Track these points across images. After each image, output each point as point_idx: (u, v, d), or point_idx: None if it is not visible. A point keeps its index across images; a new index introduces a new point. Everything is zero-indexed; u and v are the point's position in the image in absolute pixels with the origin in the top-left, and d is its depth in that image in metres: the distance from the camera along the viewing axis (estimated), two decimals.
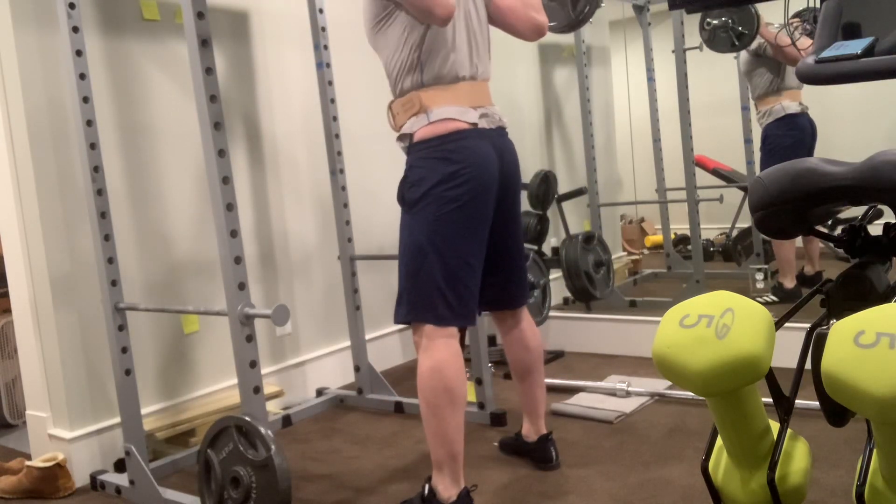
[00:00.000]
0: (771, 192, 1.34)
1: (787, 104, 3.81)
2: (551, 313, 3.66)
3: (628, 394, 2.88)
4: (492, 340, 3.64)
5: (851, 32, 1.34)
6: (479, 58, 2.11)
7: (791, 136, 3.78)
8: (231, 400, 2.83)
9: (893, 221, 1.39)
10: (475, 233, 2.03)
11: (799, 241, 3.98)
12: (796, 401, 1.27)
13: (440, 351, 1.97)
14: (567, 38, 4.40)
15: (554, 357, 3.54)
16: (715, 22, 3.85)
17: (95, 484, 2.49)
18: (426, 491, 2.02)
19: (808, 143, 3.81)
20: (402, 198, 2.07)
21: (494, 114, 2.10)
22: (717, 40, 3.89)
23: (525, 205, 2.49)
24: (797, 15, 3.93)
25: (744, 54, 4.01)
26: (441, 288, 1.99)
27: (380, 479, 2.37)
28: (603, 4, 2.79)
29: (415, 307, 2.01)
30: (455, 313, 2.01)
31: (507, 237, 2.20)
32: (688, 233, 4.12)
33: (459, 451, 1.99)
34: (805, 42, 3.71)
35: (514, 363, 2.36)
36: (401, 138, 2.08)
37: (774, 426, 1.26)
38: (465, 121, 2.01)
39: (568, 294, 3.99)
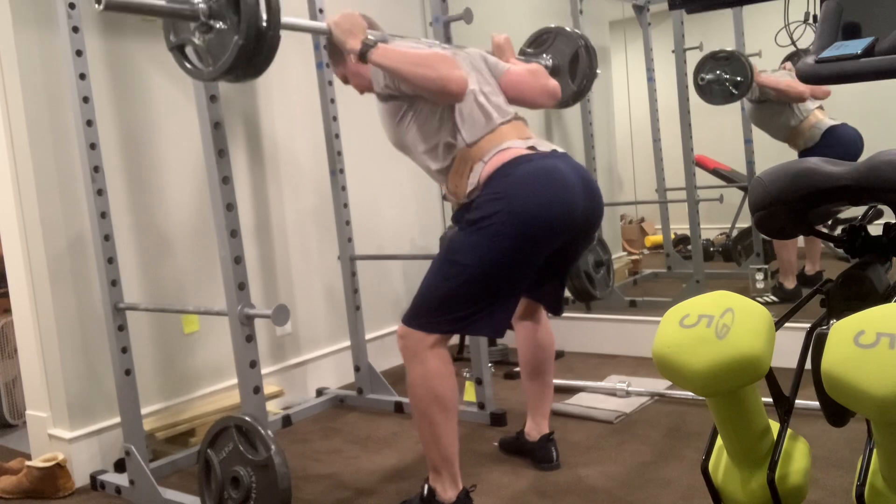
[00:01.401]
0: (771, 192, 1.34)
1: (819, 123, 3.78)
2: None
3: (628, 394, 2.88)
4: (492, 340, 3.64)
5: (851, 32, 1.34)
6: (500, 102, 2.09)
7: (841, 148, 3.71)
8: (231, 400, 2.83)
9: (893, 221, 1.39)
10: (531, 262, 1.96)
11: (800, 240, 3.98)
12: (796, 401, 1.26)
13: (431, 360, 1.94)
14: None
15: (554, 357, 3.54)
16: (709, 77, 3.87)
17: (95, 484, 2.49)
18: (425, 491, 2.02)
19: (859, 153, 3.72)
20: (458, 219, 2.01)
21: (546, 142, 2.07)
22: (713, 94, 3.91)
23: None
24: (788, 58, 3.96)
25: (749, 106, 4.02)
26: (472, 304, 1.92)
27: (380, 479, 2.37)
28: (599, 72, 2.82)
29: (427, 316, 1.95)
30: (479, 327, 1.96)
31: (574, 257, 2.16)
32: (688, 233, 4.11)
33: (454, 454, 1.99)
34: (798, 85, 3.72)
35: (525, 359, 2.37)
36: (469, 196, 2.00)
37: (774, 426, 1.26)
38: (522, 146, 1.97)
39: (568, 294, 3.99)
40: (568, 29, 2.79)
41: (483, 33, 3.92)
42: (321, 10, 2.99)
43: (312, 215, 3.34)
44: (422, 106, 2.00)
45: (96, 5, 1.55)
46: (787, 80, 3.78)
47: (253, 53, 1.63)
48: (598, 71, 2.80)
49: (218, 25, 1.64)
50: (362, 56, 1.93)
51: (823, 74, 1.31)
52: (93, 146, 2.30)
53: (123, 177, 2.67)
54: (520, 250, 1.90)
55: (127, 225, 2.67)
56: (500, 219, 1.88)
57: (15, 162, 2.48)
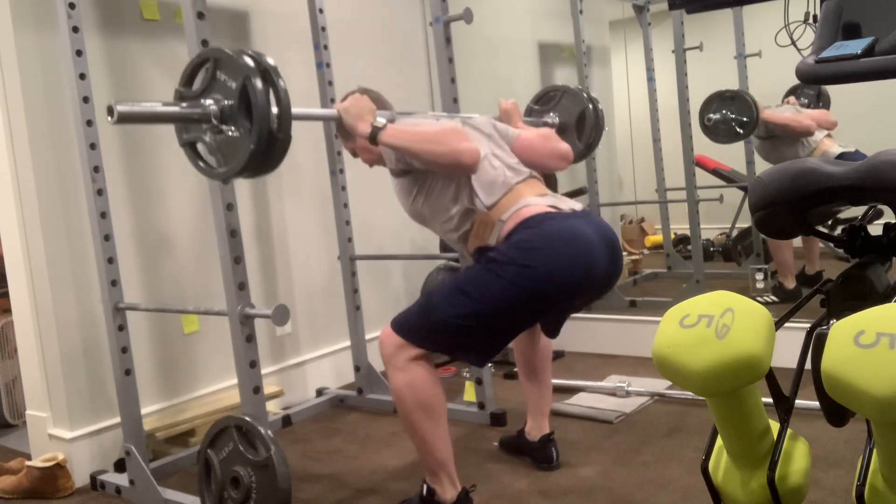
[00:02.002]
0: (771, 192, 1.34)
1: (829, 150, 3.78)
2: None
3: (628, 394, 2.88)
4: None
5: (851, 32, 1.34)
6: (514, 163, 2.09)
7: None
8: (231, 400, 2.83)
9: (893, 221, 1.39)
10: (541, 313, 1.98)
11: (798, 241, 3.98)
12: (796, 401, 1.26)
13: (415, 369, 1.93)
14: (567, 38, 4.40)
15: (554, 357, 3.52)
16: (715, 117, 3.88)
17: (95, 484, 2.49)
18: (425, 491, 2.02)
19: None
20: (479, 257, 1.99)
21: (561, 198, 2.05)
22: (720, 133, 3.92)
23: None
24: (791, 93, 3.97)
25: (756, 142, 4.04)
26: (471, 337, 1.92)
27: (380, 479, 2.37)
28: (606, 129, 2.84)
29: (420, 335, 1.94)
30: (468, 354, 1.96)
31: (584, 304, 2.17)
32: (688, 233, 4.12)
33: (449, 456, 1.99)
34: (804, 119, 3.73)
35: (522, 361, 2.37)
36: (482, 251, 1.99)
37: (774, 426, 1.26)
38: (541, 204, 1.96)
39: None
40: (573, 87, 2.81)
41: (483, 33, 3.92)
42: (321, 11, 3.00)
43: (312, 215, 3.34)
44: (436, 178, 2.02)
45: (108, 118, 1.57)
46: (791, 115, 3.80)
47: (265, 157, 1.65)
48: (605, 128, 2.82)
49: (230, 131, 1.65)
50: (372, 139, 1.95)
51: (823, 74, 1.31)
52: (93, 146, 2.30)
53: (123, 177, 2.67)
54: (531, 303, 1.90)
55: (127, 225, 2.67)
56: (518, 269, 1.86)
57: (15, 162, 2.48)
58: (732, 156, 4.63)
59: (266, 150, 1.63)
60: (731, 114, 3.85)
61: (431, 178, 2.02)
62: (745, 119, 3.81)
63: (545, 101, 2.88)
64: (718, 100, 3.91)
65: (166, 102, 1.70)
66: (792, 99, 3.99)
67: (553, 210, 1.95)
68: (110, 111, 1.56)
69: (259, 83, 1.61)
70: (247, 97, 1.62)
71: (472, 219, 2.01)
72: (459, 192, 2.00)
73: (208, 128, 1.68)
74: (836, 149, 3.79)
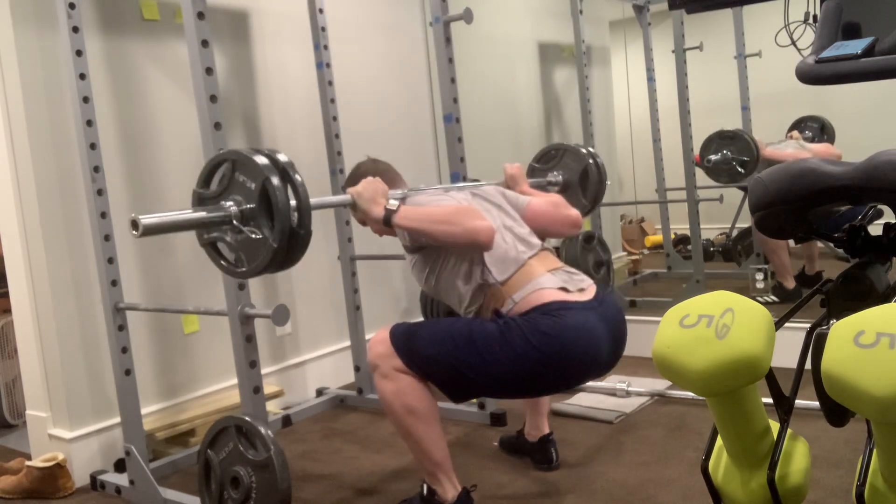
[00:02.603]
0: (771, 192, 1.34)
1: None
2: None
3: (628, 394, 2.88)
4: None
5: (851, 32, 1.34)
6: (525, 235, 2.09)
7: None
8: (231, 400, 2.83)
9: (893, 221, 1.39)
10: (533, 388, 2.00)
11: (792, 241, 3.99)
12: (796, 401, 1.26)
13: (402, 379, 1.93)
14: (567, 38, 4.40)
15: None
16: (715, 158, 3.89)
17: (95, 484, 2.49)
18: (425, 490, 2.02)
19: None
20: (497, 310, 1.98)
21: (574, 273, 2.05)
22: (721, 173, 3.93)
23: None
24: (795, 126, 3.97)
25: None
26: (464, 382, 1.91)
27: (380, 479, 2.37)
28: (609, 182, 2.86)
29: (421, 361, 1.93)
30: (449, 392, 1.95)
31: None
32: (688, 233, 4.12)
33: (445, 456, 1.99)
34: (805, 156, 3.73)
35: None
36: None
37: (774, 426, 1.26)
38: (553, 286, 1.95)
39: None
40: (573, 146, 2.84)
41: (483, 33, 3.92)
42: (321, 11, 3.00)
43: (312, 215, 3.33)
44: (449, 254, 2.02)
45: (133, 232, 1.59)
46: (792, 152, 3.80)
47: (287, 254, 1.67)
48: (608, 182, 2.84)
49: (252, 233, 1.67)
50: (387, 223, 1.96)
51: (823, 74, 1.31)
52: (93, 146, 2.30)
53: (123, 177, 2.67)
54: (528, 380, 1.91)
55: (127, 225, 2.66)
56: (529, 348, 1.86)
57: (15, 162, 2.48)
58: None
59: (288, 247, 1.66)
60: (731, 154, 3.86)
61: (445, 254, 2.03)
62: (745, 159, 3.83)
63: (546, 159, 2.91)
64: (718, 140, 3.92)
65: (187, 210, 1.73)
66: (795, 133, 4.00)
67: (568, 300, 1.94)
68: (135, 225, 1.59)
69: (278, 181, 1.64)
70: (266, 197, 1.65)
71: (484, 293, 2.01)
72: (472, 269, 2.00)
73: (229, 228, 1.72)
74: None
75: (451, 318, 2.04)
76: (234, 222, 1.69)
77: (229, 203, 1.70)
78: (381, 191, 2.00)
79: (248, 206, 1.67)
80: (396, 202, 1.98)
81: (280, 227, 1.63)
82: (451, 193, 2.11)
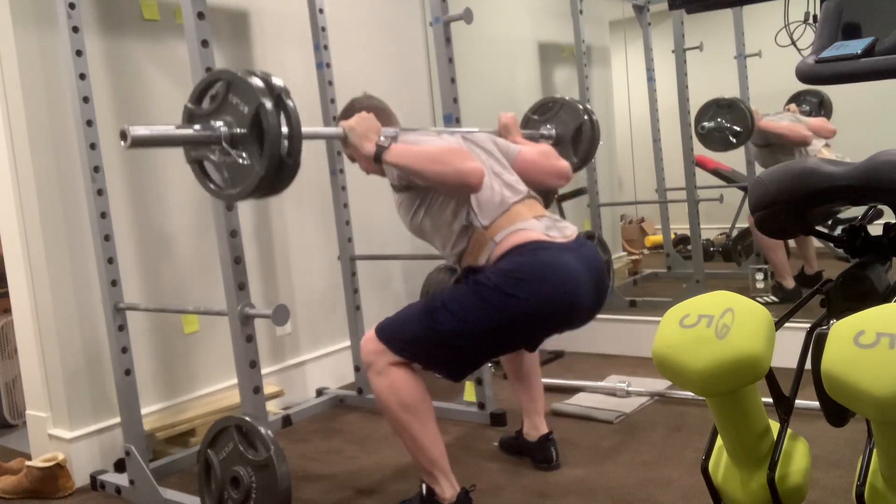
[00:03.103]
0: (771, 192, 1.34)
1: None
2: None
3: (628, 394, 2.88)
4: None
5: (851, 32, 1.34)
6: (513, 181, 2.10)
7: None
8: (231, 400, 2.83)
9: (893, 221, 1.39)
10: (524, 341, 2.00)
11: (791, 242, 3.99)
12: (796, 401, 1.26)
13: (395, 372, 1.94)
14: (567, 38, 4.40)
15: (554, 357, 3.54)
16: (710, 125, 3.88)
17: (95, 484, 2.49)
18: (424, 490, 2.02)
19: None
20: (466, 277, 2.00)
21: (559, 220, 2.06)
22: (713, 141, 3.92)
23: None
24: (793, 100, 3.97)
25: (754, 150, 4.03)
26: (452, 354, 1.93)
27: (380, 479, 2.37)
28: (601, 143, 2.84)
29: (401, 343, 1.95)
30: (444, 370, 1.97)
31: (563, 331, 2.16)
32: (688, 233, 4.11)
33: (441, 455, 2.00)
34: (801, 129, 3.73)
35: (510, 364, 2.38)
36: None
37: (774, 426, 1.26)
38: (535, 228, 1.96)
39: None
40: (571, 100, 2.82)
41: (483, 33, 3.92)
42: (321, 11, 3.00)
43: (312, 215, 3.34)
44: (437, 195, 2.03)
45: (122, 143, 1.57)
46: (788, 124, 3.79)
47: (273, 182, 1.65)
48: (601, 142, 2.82)
49: (241, 158, 1.65)
50: (377, 159, 1.96)
51: (823, 74, 1.31)
52: (93, 146, 2.30)
53: (123, 177, 2.67)
54: (511, 331, 1.92)
55: (127, 225, 2.67)
56: (503, 297, 1.87)
57: (15, 162, 2.48)
58: (732, 156, 4.63)
59: (275, 175, 1.63)
60: (725, 122, 3.85)
61: (432, 194, 2.03)
62: (738, 129, 3.81)
63: (543, 111, 2.88)
64: (715, 107, 3.91)
65: (178, 125, 1.70)
66: (793, 106, 3.99)
67: (546, 239, 1.95)
68: (124, 136, 1.57)
69: (271, 106, 1.61)
70: (258, 122, 1.62)
71: (468, 236, 2.02)
72: (458, 210, 2.01)
73: (217, 149, 1.69)
74: (832, 157, 3.79)
75: (427, 298, 2.04)
76: (224, 144, 1.66)
77: (219, 123, 1.67)
78: (374, 128, 1.99)
79: (239, 129, 1.65)
80: (388, 140, 1.97)
81: (269, 153, 1.60)
82: (443, 136, 2.11)
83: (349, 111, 2.19)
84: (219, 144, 1.67)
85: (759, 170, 4.21)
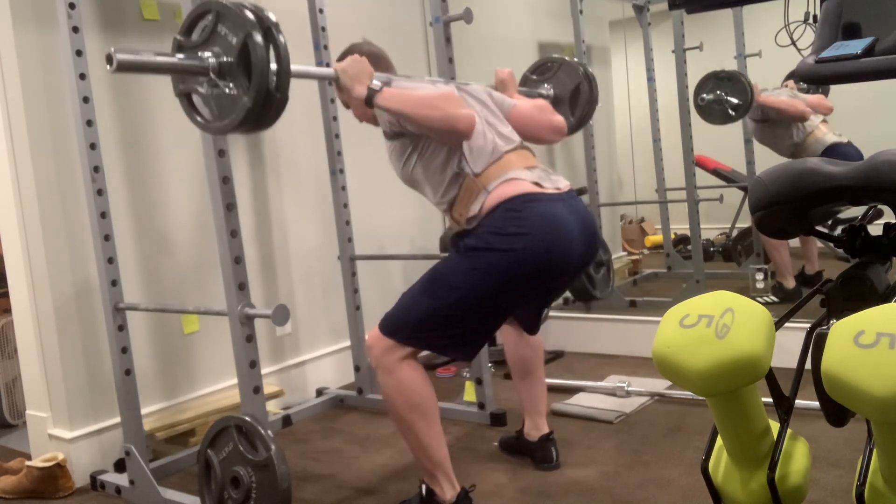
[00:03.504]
0: (771, 192, 1.34)
1: (822, 138, 3.78)
2: (551, 313, 3.66)
3: (628, 394, 2.88)
4: (492, 340, 3.64)
5: (851, 32, 1.33)
6: (507, 132, 2.10)
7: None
8: (231, 400, 2.83)
9: (893, 221, 1.39)
10: (521, 298, 1.98)
11: (795, 241, 3.99)
12: (796, 401, 1.26)
13: (403, 370, 1.94)
14: (567, 38, 4.40)
15: (554, 357, 3.54)
16: (709, 97, 3.87)
17: (95, 484, 2.49)
18: (423, 491, 2.02)
19: None
20: (456, 244, 2.01)
21: (551, 172, 2.06)
22: (712, 113, 3.91)
23: None
24: (791, 76, 3.96)
25: (752, 125, 4.02)
26: (451, 330, 1.94)
27: (380, 479, 2.37)
28: (599, 105, 2.83)
29: (408, 331, 1.95)
30: (455, 350, 1.98)
31: (560, 293, 2.18)
32: (688, 233, 4.12)
33: (444, 456, 2.00)
34: (799, 104, 3.72)
35: (514, 362, 2.37)
36: (469, 222, 2.00)
37: (774, 426, 1.26)
38: (527, 179, 1.97)
39: (568, 294, 3.99)
40: (571, 60, 2.80)
41: (483, 33, 3.92)
42: (321, 11, 2.99)
43: (312, 215, 3.34)
44: (428, 142, 2.01)
45: (108, 67, 1.56)
46: (787, 99, 3.79)
47: (261, 115, 1.63)
48: (599, 103, 2.81)
49: (227, 88, 1.64)
50: (368, 102, 1.95)
51: (823, 74, 1.31)
52: (93, 146, 2.30)
53: (123, 177, 2.67)
54: (510, 288, 1.92)
55: (127, 225, 2.67)
56: (498, 255, 1.89)
57: (15, 162, 2.48)
58: (732, 156, 4.63)
59: (262, 108, 1.61)
60: (725, 95, 3.84)
61: (424, 141, 2.01)
62: (738, 101, 3.80)
63: (541, 71, 2.86)
64: (714, 80, 3.90)
65: (165, 53, 1.68)
66: (791, 83, 3.98)
67: (537, 191, 1.95)
68: (109, 59, 1.55)
69: (260, 39, 1.59)
70: (246, 54, 1.60)
71: (459, 184, 2.00)
72: (450, 158, 2.00)
73: (205, 80, 1.67)
74: (830, 137, 3.79)
75: (421, 279, 2.03)
76: (211, 75, 1.65)
77: (208, 54, 1.65)
78: (366, 71, 1.98)
79: (228, 59, 1.63)
80: (380, 84, 1.96)
81: (257, 86, 1.59)
82: (438, 84, 2.10)
83: (345, 55, 2.16)
84: (206, 75, 1.66)
85: (759, 169, 4.21)
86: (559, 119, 2.25)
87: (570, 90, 2.77)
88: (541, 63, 2.87)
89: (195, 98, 1.73)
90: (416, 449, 1.99)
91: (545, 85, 2.81)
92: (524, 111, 2.20)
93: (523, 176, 1.97)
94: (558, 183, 2.03)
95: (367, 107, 1.97)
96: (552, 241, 1.90)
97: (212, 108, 1.70)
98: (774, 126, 3.88)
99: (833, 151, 3.75)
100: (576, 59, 2.84)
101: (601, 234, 2.08)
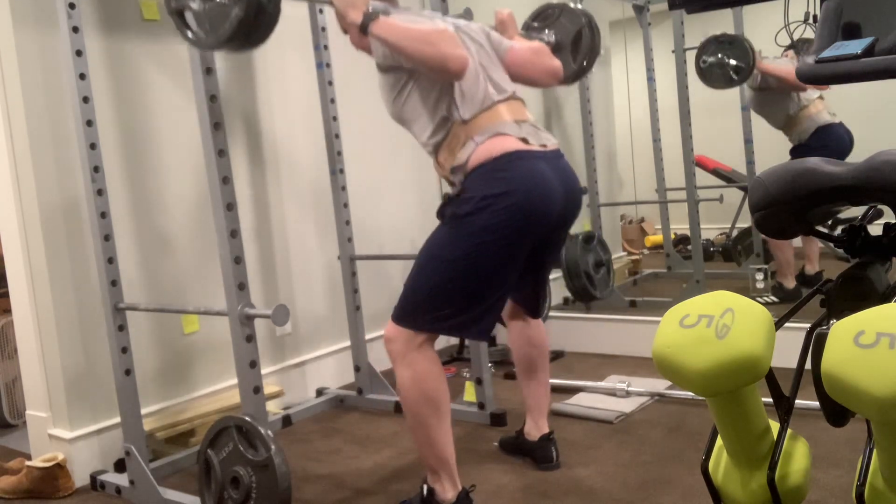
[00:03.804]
0: (771, 192, 1.34)
1: (816, 116, 3.78)
2: (551, 313, 3.66)
3: (628, 394, 2.88)
4: (492, 340, 3.64)
5: (851, 32, 1.33)
6: (500, 79, 2.09)
7: (829, 149, 3.71)
8: (231, 400, 2.83)
9: (893, 221, 1.39)
10: (514, 262, 1.98)
11: (798, 241, 3.99)
12: (796, 401, 1.26)
13: (420, 362, 1.95)
14: None
15: (554, 357, 3.54)
16: (710, 59, 3.86)
17: (95, 484, 2.49)
18: (425, 491, 2.02)
19: (846, 154, 3.74)
20: (443, 212, 2.02)
21: (540, 129, 2.07)
22: (714, 77, 3.90)
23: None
24: (791, 46, 3.95)
25: (749, 93, 4.02)
26: (459, 305, 1.95)
27: (380, 479, 2.37)
28: (602, 52, 2.80)
29: (420, 315, 1.96)
30: (467, 328, 1.99)
31: (552, 256, 2.19)
32: (688, 233, 4.12)
33: (451, 454, 2.00)
34: (784, 64, 3.72)
35: (519, 360, 2.37)
36: (454, 172, 2.00)
37: (774, 426, 1.26)
38: (514, 135, 1.97)
39: (568, 294, 3.99)
40: (573, 6, 2.77)
41: None
42: (321, 11, 2.99)
43: (312, 215, 3.34)
44: (421, 79, 2.00)
45: None
46: (787, 67, 3.77)
47: (252, 27, 1.63)
48: (601, 51, 2.78)
49: None
50: (363, 29, 1.95)
51: (823, 74, 1.31)
52: (93, 146, 2.30)
53: (123, 177, 2.67)
54: (501, 248, 1.93)
55: (127, 225, 2.67)
56: (484, 216, 1.90)
57: (15, 162, 2.48)
58: (732, 156, 4.64)
59: (254, 20, 1.62)
60: (727, 58, 3.82)
61: (416, 78, 2.00)
62: (741, 65, 3.79)
63: (543, 17, 2.83)
64: (716, 43, 3.88)
65: None
66: (791, 53, 3.97)
67: (523, 148, 1.95)
68: None
69: None
70: None
71: (447, 127, 2.00)
72: (440, 99, 1.99)
73: None
74: (824, 116, 3.79)
75: (416, 261, 2.06)
76: None
77: None
78: None
79: None
80: (377, 12, 1.95)
81: None
82: (436, 21, 2.08)
83: None
84: None
85: (759, 169, 4.21)
86: (556, 63, 2.24)
87: (572, 36, 2.74)
88: (542, 10, 2.84)
89: (187, 15, 1.73)
90: (424, 444, 1.99)
91: (546, 31, 2.78)
92: (521, 54, 2.19)
93: (511, 131, 1.97)
94: (545, 140, 2.04)
95: (361, 34, 1.97)
96: (535, 197, 1.92)
97: (203, 24, 1.70)
98: (771, 96, 3.87)
99: (825, 132, 3.76)
100: (578, 5, 2.81)
101: (582, 194, 2.11)
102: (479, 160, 1.94)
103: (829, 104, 3.88)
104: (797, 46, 3.92)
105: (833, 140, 3.75)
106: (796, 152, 3.83)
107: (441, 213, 2.02)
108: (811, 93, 3.81)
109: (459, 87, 1.98)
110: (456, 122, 1.98)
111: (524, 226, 1.92)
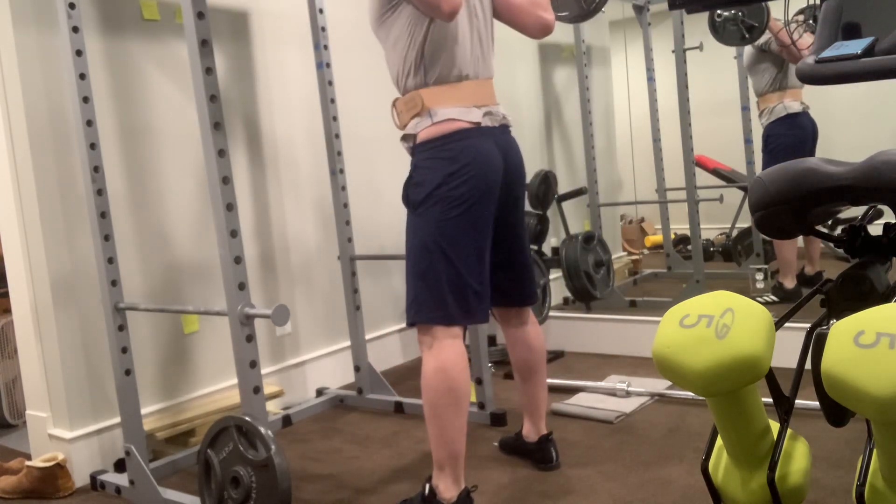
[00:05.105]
0: (771, 192, 1.34)
1: (788, 103, 3.81)
2: (551, 313, 3.66)
3: (628, 394, 2.88)
4: (492, 340, 3.64)
5: (851, 32, 1.34)
6: (482, 55, 2.10)
7: (793, 135, 3.79)
8: (231, 400, 2.83)
9: (893, 221, 1.39)
10: (480, 232, 2.03)
11: (799, 240, 3.99)
12: (796, 401, 1.27)
13: (446, 352, 1.98)
14: (567, 38, 4.40)
15: (554, 357, 3.54)
16: (725, 14, 3.86)
17: (95, 484, 2.49)
18: (426, 490, 2.02)
19: (809, 142, 3.82)
20: (407, 199, 2.09)
21: (498, 112, 2.10)
22: (726, 33, 3.90)
23: (525, 205, 2.53)
24: (801, 12, 3.94)
25: (748, 48, 4.01)
26: (449, 288, 2.00)
27: (380, 479, 2.37)
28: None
29: (424, 308, 2.03)
30: (465, 312, 2.02)
31: (513, 235, 2.21)
32: (688, 233, 4.12)
33: (461, 451, 2.00)
34: (807, 40, 3.73)
35: (517, 363, 2.37)
36: (405, 139, 2.09)
37: (774, 426, 1.26)
38: (468, 120, 2.01)
39: (568, 294, 4.00)
40: None
41: None
42: (321, 11, 2.99)
43: (312, 215, 3.34)
44: (407, 18, 2.01)
45: None
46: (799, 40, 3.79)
47: None
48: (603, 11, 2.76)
49: None
50: None
51: (823, 74, 1.31)
52: (93, 146, 2.30)
53: (123, 177, 2.67)
54: (467, 222, 2.00)
55: (127, 225, 2.67)
56: (440, 196, 1.99)
57: (15, 162, 2.48)
58: (732, 156, 4.64)
59: None
60: (742, 15, 3.84)
61: (404, 6, 2.01)
62: (755, 23, 3.80)
63: None
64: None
65: None
66: (800, 18, 3.99)
67: (468, 126, 2.00)
68: None
69: None
70: None
71: (412, 85, 2.03)
72: (415, 44, 2.00)
73: None
74: (795, 106, 3.85)
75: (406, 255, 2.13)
76: None
77: None
78: None
79: None
80: None
81: None
82: None
83: None
84: None
85: (758, 169, 4.22)
86: (550, 17, 2.22)
87: None
88: None
89: None
90: (437, 436, 1.99)
91: None
92: (515, 1, 2.18)
93: (465, 117, 2.01)
94: (498, 121, 2.08)
95: None
96: (477, 169, 1.99)
97: None
98: (768, 59, 3.88)
99: (792, 119, 3.80)
100: None
101: (523, 167, 2.20)
102: (428, 137, 2.01)
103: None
104: (806, 14, 3.94)
105: (799, 128, 3.85)
106: (765, 132, 3.89)
107: (405, 199, 2.10)
108: (794, 80, 3.83)
109: (435, 36, 1.99)
110: (418, 83, 2.02)
111: (475, 195, 1.99)
